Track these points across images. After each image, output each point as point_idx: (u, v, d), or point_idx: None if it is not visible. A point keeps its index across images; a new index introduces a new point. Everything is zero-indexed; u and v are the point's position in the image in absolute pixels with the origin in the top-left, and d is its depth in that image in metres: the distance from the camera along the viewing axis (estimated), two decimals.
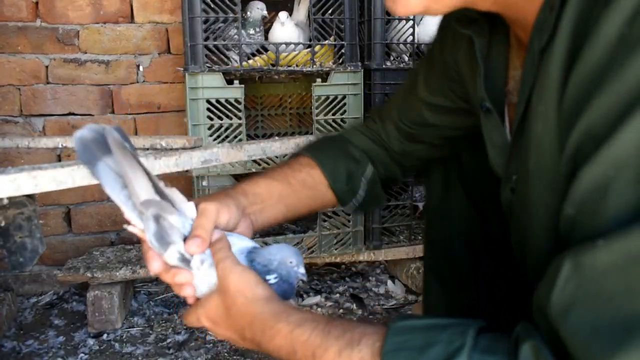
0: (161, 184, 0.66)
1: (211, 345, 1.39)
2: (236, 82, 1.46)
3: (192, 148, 1.12)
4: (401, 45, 1.62)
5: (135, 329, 1.49)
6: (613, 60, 0.41)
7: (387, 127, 0.92)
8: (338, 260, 1.64)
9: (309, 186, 0.86)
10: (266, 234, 1.68)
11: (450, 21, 0.74)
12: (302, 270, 0.67)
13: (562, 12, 0.47)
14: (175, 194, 0.67)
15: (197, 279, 0.65)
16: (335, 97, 1.53)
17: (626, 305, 0.40)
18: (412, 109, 0.89)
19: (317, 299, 1.65)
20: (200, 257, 0.64)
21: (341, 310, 1.58)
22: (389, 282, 1.76)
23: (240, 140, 1.47)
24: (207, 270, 0.64)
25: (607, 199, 0.41)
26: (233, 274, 0.61)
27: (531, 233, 0.58)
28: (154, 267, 0.66)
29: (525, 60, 0.56)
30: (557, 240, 0.48)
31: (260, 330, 0.59)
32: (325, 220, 1.59)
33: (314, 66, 1.51)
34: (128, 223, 0.67)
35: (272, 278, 0.65)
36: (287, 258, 0.66)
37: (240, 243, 0.67)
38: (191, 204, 0.67)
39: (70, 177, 0.93)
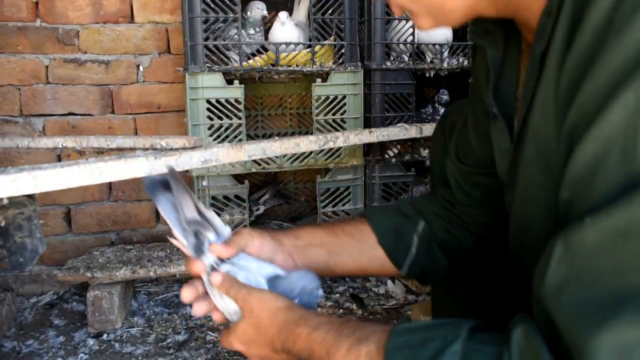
0: (206, 211, 0.79)
1: (211, 345, 1.39)
2: (236, 82, 1.46)
3: (192, 148, 1.12)
4: (401, 45, 1.62)
5: (135, 329, 1.49)
6: (601, 42, 0.42)
7: (448, 174, 0.87)
8: None
9: (356, 238, 0.85)
10: None
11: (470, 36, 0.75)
12: (320, 292, 0.73)
13: (559, 16, 0.48)
14: (215, 218, 0.79)
15: (221, 307, 0.73)
16: (335, 97, 1.53)
17: (613, 282, 0.41)
18: (465, 142, 0.85)
19: None
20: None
21: (341, 310, 1.58)
22: (389, 282, 1.75)
23: (240, 140, 1.47)
24: (227, 299, 0.71)
25: (597, 178, 0.42)
26: (253, 295, 0.68)
27: (531, 225, 0.59)
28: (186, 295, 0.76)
29: (527, 65, 0.57)
30: (555, 226, 0.49)
31: (285, 337, 0.65)
32: (325, 221, 1.59)
33: (314, 66, 1.51)
34: (174, 237, 0.80)
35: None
36: (307, 285, 0.71)
37: (265, 269, 0.74)
38: (227, 228, 0.79)
39: (70, 177, 0.93)
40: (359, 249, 0.85)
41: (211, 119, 1.45)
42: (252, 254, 0.76)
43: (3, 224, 0.91)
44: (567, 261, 0.44)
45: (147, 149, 1.14)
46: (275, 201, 1.77)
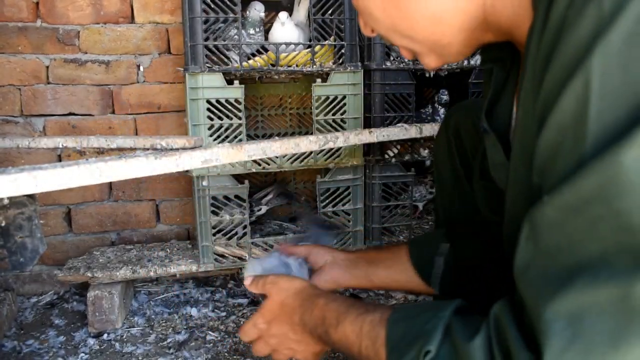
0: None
1: (211, 345, 1.40)
2: (236, 82, 1.46)
3: (193, 148, 1.12)
4: None
5: (135, 328, 1.49)
6: (558, 38, 0.45)
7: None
8: None
9: (393, 252, 1.00)
10: (266, 234, 1.68)
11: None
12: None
13: (535, 24, 0.51)
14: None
15: None
16: (335, 97, 1.54)
17: (568, 255, 0.44)
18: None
19: None
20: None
21: None
22: None
23: (240, 140, 1.47)
24: None
25: (555, 163, 0.45)
26: (281, 279, 0.86)
27: (520, 222, 0.61)
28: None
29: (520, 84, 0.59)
30: None
31: (306, 308, 0.78)
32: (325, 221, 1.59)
33: (314, 66, 1.52)
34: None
35: None
36: None
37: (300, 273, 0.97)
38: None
39: (70, 177, 0.93)
40: (393, 260, 0.98)
41: (211, 119, 1.45)
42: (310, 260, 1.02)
43: (3, 223, 0.91)
44: (532, 239, 0.47)
45: (148, 149, 1.14)
46: (278, 201, 1.77)
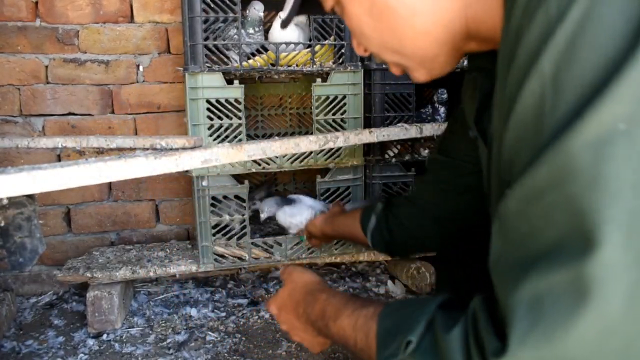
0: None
1: (211, 345, 1.39)
2: (236, 82, 1.46)
3: (192, 148, 1.12)
4: None
5: (135, 329, 1.49)
6: (516, 43, 0.49)
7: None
8: (338, 260, 1.64)
9: (355, 215, 1.22)
10: (266, 234, 1.68)
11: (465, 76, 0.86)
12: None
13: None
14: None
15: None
16: (335, 97, 1.53)
17: (529, 243, 0.47)
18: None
19: None
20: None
21: None
22: (389, 282, 1.76)
23: (240, 140, 1.47)
24: None
25: (520, 157, 0.48)
26: (295, 270, 0.95)
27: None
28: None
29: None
30: None
31: (309, 301, 0.85)
32: None
33: (314, 66, 1.51)
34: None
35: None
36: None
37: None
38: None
39: (69, 177, 0.93)
40: (355, 216, 1.22)
41: (211, 118, 1.45)
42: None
43: (3, 224, 0.91)
44: (501, 233, 0.51)
45: (147, 149, 1.14)
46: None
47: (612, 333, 0.42)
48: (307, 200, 1.50)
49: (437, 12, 0.62)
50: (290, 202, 1.49)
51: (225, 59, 1.48)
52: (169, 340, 1.42)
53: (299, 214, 1.45)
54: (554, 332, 0.43)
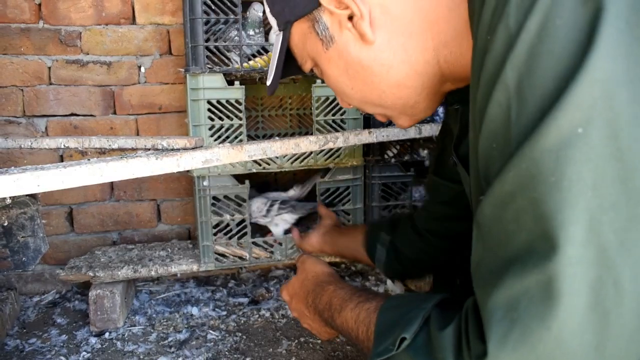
0: None
1: (212, 344, 1.41)
2: (237, 82, 1.47)
3: (193, 148, 1.13)
4: None
5: (136, 327, 1.50)
6: (482, 59, 0.50)
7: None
8: (338, 260, 1.64)
9: (354, 236, 1.26)
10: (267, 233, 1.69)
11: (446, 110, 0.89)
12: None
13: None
14: None
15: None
16: (335, 98, 1.54)
17: (504, 247, 0.48)
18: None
19: None
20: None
21: None
22: (389, 281, 1.76)
23: (240, 140, 1.48)
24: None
25: (492, 166, 0.50)
26: (308, 259, 1.00)
27: None
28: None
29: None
30: None
31: (318, 291, 0.88)
32: None
33: None
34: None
35: None
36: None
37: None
38: None
39: (72, 177, 0.94)
40: (354, 238, 1.25)
41: (212, 119, 1.46)
42: None
43: (6, 223, 0.92)
44: (479, 238, 0.52)
45: (149, 150, 1.15)
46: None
47: (583, 328, 0.44)
48: (274, 194, 1.68)
49: (410, 63, 0.64)
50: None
51: (226, 60, 1.49)
52: (170, 339, 1.44)
53: (253, 203, 1.59)
54: (530, 333, 0.45)
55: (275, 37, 0.75)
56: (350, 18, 0.63)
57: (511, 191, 0.47)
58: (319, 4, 0.64)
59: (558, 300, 0.43)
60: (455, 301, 0.61)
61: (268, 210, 1.59)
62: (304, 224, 1.79)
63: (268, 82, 0.75)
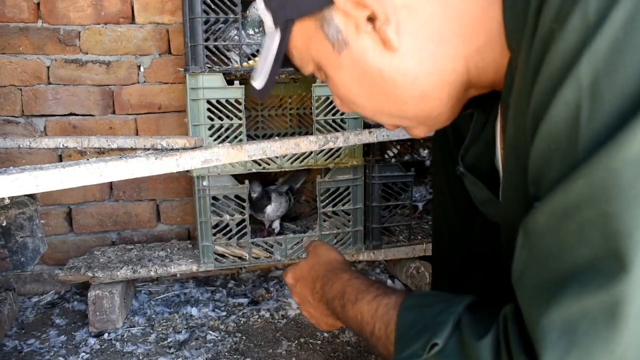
0: None
1: (211, 344, 1.40)
2: (236, 82, 1.47)
3: (193, 148, 1.12)
4: None
5: (136, 328, 1.50)
6: (546, 50, 0.45)
7: None
8: None
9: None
10: (268, 234, 1.69)
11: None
12: None
13: (519, 48, 0.51)
14: None
15: None
16: None
17: (559, 261, 0.44)
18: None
19: None
20: None
21: None
22: (389, 281, 1.76)
23: (240, 140, 1.47)
24: None
25: (551, 170, 0.45)
26: (322, 245, 0.90)
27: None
28: None
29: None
30: None
31: (329, 278, 0.80)
32: (325, 220, 1.60)
33: None
34: None
35: None
36: None
37: None
38: None
39: (71, 177, 0.93)
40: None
41: (212, 119, 1.45)
42: None
43: (5, 223, 0.92)
44: (527, 247, 0.48)
45: (148, 149, 1.15)
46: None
47: None
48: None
49: (439, 73, 0.58)
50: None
51: (226, 60, 1.49)
52: (169, 340, 1.43)
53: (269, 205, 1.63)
54: (590, 357, 0.42)
55: (268, 34, 0.65)
56: (370, 19, 0.56)
57: (577, 202, 0.42)
58: (332, 2, 0.56)
59: (624, 323, 0.41)
60: (481, 303, 0.57)
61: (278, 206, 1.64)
62: (302, 224, 1.79)
63: (257, 85, 0.66)
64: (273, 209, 1.63)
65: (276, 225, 1.70)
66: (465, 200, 0.91)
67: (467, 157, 0.73)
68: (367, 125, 1.59)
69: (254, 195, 1.58)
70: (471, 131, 0.71)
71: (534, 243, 0.47)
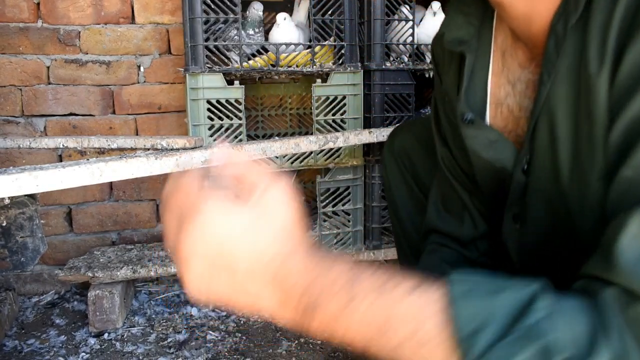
0: None
1: (211, 344, 1.40)
2: (236, 82, 1.47)
3: (193, 148, 1.12)
4: (401, 46, 1.63)
5: (136, 328, 1.50)
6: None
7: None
8: None
9: None
10: None
11: (438, 50, 0.80)
12: None
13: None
14: None
15: None
16: (335, 98, 1.54)
17: None
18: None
19: None
20: None
21: None
22: None
23: (240, 140, 1.47)
24: None
25: None
26: (274, 189, 0.50)
27: (565, 211, 0.60)
28: None
29: (547, 43, 0.58)
30: (603, 211, 0.51)
31: (321, 266, 0.47)
32: (325, 220, 1.60)
33: (314, 67, 1.52)
34: None
35: None
36: None
37: None
38: None
39: (71, 177, 0.93)
40: None
41: (212, 119, 1.45)
42: None
43: (5, 223, 0.92)
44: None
45: (148, 149, 1.15)
46: None
47: None
48: None
49: None
50: None
51: (226, 60, 1.49)
52: (169, 340, 1.43)
53: None
54: None
55: None
56: None
57: None
58: None
59: None
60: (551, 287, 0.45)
61: None
62: None
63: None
64: None
65: None
66: None
67: (469, 104, 0.70)
68: (367, 125, 1.60)
69: None
70: (466, 74, 0.69)
71: None
